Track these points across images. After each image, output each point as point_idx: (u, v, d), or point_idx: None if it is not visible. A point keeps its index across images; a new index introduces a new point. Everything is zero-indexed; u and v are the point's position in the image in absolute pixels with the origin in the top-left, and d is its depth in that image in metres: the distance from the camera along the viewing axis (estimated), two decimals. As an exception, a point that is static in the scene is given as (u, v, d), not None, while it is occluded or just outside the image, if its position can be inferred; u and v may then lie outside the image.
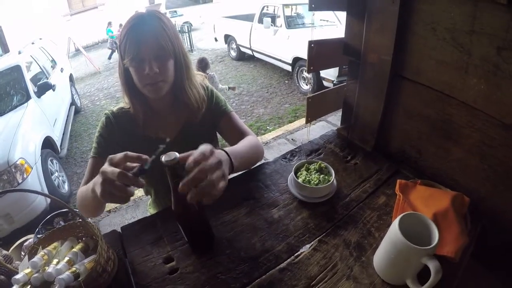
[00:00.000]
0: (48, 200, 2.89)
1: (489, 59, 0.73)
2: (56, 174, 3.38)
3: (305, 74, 5.20)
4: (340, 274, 0.71)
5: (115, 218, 3.04)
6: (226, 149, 0.82)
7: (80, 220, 0.77)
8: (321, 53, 1.09)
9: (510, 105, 0.73)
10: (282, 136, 4.10)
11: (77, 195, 0.95)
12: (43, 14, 12.05)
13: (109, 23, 11.03)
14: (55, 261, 0.69)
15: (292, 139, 3.97)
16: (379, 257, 0.70)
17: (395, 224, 0.63)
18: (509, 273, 0.87)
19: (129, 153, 0.65)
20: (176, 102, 1.05)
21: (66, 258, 0.69)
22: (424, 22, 0.85)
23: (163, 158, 0.60)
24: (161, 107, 1.05)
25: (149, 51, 0.89)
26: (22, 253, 1.01)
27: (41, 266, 0.67)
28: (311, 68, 1.09)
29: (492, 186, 0.84)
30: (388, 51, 0.93)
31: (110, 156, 0.66)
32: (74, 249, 0.73)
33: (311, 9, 0.98)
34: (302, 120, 4.44)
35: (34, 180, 2.79)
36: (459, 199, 0.84)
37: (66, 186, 3.51)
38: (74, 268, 0.66)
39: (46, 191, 2.89)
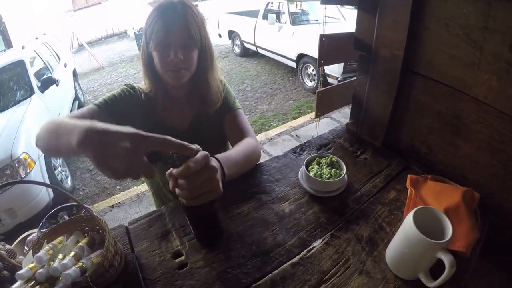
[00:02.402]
0: (52, 194, 2.90)
1: (502, 56, 0.73)
2: (59, 169, 3.39)
3: (310, 70, 5.18)
4: (353, 269, 0.70)
5: (119, 213, 3.05)
6: (219, 156, 0.81)
7: (86, 214, 0.75)
8: (331, 47, 1.08)
9: (521, 101, 0.72)
10: (286, 133, 4.10)
11: (52, 122, 0.74)
12: (46, 10, 12.02)
13: None
14: (60, 255, 0.67)
15: (296, 135, 3.97)
16: (392, 251, 0.70)
17: (409, 218, 0.62)
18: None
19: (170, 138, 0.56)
20: (192, 92, 1.06)
21: (72, 253, 0.67)
22: (437, 18, 0.84)
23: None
24: (178, 95, 1.06)
25: (177, 38, 0.89)
26: (26, 247, 0.98)
27: (46, 261, 0.65)
28: (322, 62, 1.09)
29: (501, 182, 0.84)
30: (400, 46, 0.92)
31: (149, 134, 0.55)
32: (80, 244, 0.71)
33: (323, 2, 0.97)
34: (306, 117, 4.44)
35: (37, 174, 2.80)
36: (470, 195, 0.84)
37: (69, 181, 3.52)
38: (81, 263, 0.64)
39: (49, 186, 2.90)
